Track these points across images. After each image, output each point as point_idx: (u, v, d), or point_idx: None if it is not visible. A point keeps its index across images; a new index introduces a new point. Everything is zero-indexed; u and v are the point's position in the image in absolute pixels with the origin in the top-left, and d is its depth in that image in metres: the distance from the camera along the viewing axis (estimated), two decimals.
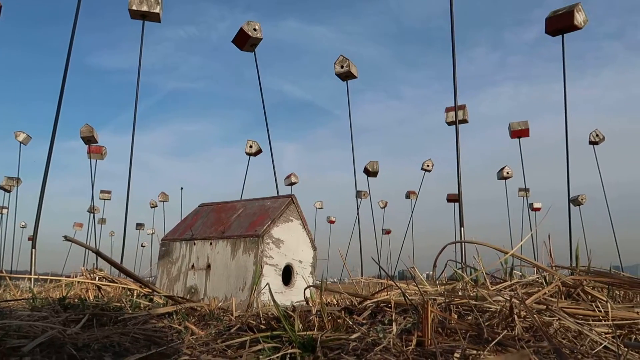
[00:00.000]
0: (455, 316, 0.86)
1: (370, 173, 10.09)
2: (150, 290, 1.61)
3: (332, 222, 15.54)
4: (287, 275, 1.94)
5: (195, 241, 1.94)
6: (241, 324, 1.07)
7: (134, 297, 1.60)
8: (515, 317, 0.84)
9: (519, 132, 8.78)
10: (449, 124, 7.21)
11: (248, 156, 8.64)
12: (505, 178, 10.36)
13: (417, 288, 1.18)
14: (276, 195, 2.16)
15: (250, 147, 8.52)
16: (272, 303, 1.67)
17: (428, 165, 11.10)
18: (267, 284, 1.67)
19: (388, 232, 14.34)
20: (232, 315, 1.25)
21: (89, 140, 7.75)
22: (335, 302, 1.46)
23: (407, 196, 12.79)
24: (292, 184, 10.97)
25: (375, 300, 1.07)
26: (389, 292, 1.13)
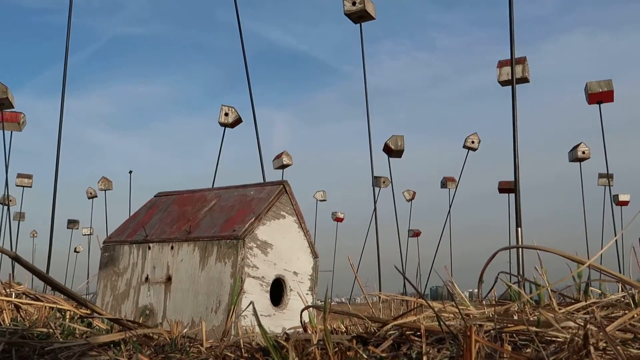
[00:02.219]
0: (509, 348, 0.87)
1: (392, 152, 10.09)
2: (88, 312, 1.62)
3: (339, 219, 15.60)
4: (278, 291, 1.95)
5: (151, 244, 1.95)
6: (214, 358, 1.09)
7: (67, 320, 1.61)
8: (592, 349, 0.85)
9: (600, 96, 8.75)
10: (503, 83, 7.20)
11: (223, 127, 8.64)
12: (581, 160, 10.36)
13: (456, 310, 1.19)
14: (262, 182, 2.17)
15: (226, 115, 8.51)
16: (256, 329, 1.68)
17: (473, 142, 11.10)
18: (251, 303, 1.69)
19: (417, 233, 14.40)
20: (201, 345, 1.26)
21: (1, 104, 7.76)
22: (344, 329, 1.47)
23: (444, 184, 12.82)
24: (283, 166, 11.00)
25: (399, 325, 1.08)
26: (417, 315, 1.14)
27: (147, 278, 1.92)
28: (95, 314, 1.46)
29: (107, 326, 1.58)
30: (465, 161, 11.43)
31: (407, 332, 1.09)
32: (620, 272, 1.24)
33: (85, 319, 1.64)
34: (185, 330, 1.54)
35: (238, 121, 8.58)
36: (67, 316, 1.69)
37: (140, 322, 1.55)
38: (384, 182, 11.60)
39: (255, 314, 1.00)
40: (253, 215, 1.83)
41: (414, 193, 14.04)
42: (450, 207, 12.42)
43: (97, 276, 2.10)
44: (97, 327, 1.59)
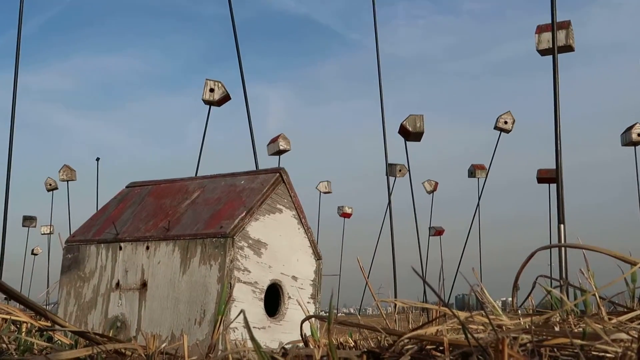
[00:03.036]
0: None
1: (410, 135, 10.08)
2: (49, 324, 1.63)
3: (346, 215, 15.62)
4: (273, 299, 1.95)
5: (122, 244, 1.96)
6: None
7: (23, 333, 1.62)
8: None
9: None
10: (542, 52, 7.16)
11: (207, 106, 8.64)
12: (636, 143, 10.33)
13: (486, 320, 1.19)
14: (255, 169, 2.17)
15: (211, 91, 8.50)
16: (248, 344, 1.69)
17: (506, 122, 11.08)
18: (242, 312, 1.69)
19: (439, 231, 14.41)
20: None
21: None
22: (353, 344, 1.48)
23: (471, 173, 12.81)
24: (280, 152, 10.99)
25: (418, 338, 1.08)
26: (439, 326, 1.15)
27: (118, 284, 1.92)
28: (56, 327, 1.47)
29: (70, 341, 1.58)
30: (496, 145, 11.41)
31: (428, 347, 1.09)
32: None
33: (45, 333, 1.65)
34: (163, 346, 1.55)
35: (226, 98, 8.57)
36: (24, 329, 1.69)
37: (111, 335, 1.56)
38: (400, 170, 11.59)
39: (247, 325, 1.01)
40: (244, 209, 1.83)
41: (436, 184, 14.04)
42: (479, 199, 12.42)
43: (58, 282, 2.10)
44: (59, 341, 1.60)
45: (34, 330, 1.67)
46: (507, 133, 11.18)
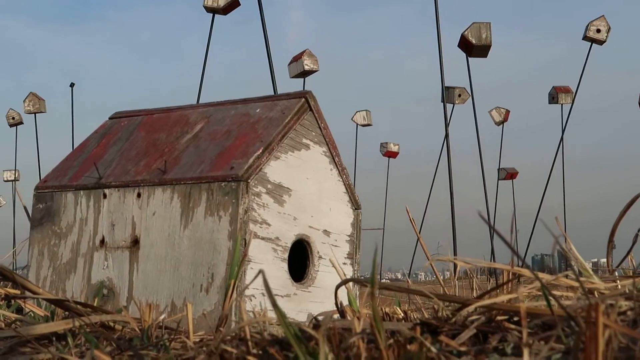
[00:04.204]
0: None
1: (473, 49, 9.96)
2: (18, 291, 1.66)
3: (391, 154, 15.58)
4: (300, 260, 1.97)
5: (107, 190, 1.97)
6: (207, 355, 1.11)
7: None
8: None
9: None
10: None
11: (210, 14, 8.59)
12: None
13: (574, 282, 1.19)
14: (273, 94, 2.16)
15: None
16: (269, 314, 1.71)
17: (598, 30, 10.88)
18: (260, 273, 1.70)
19: (511, 174, 14.34)
20: (188, 339, 1.29)
21: None
22: (402, 314, 1.49)
23: (553, 98, 12.65)
24: (305, 73, 10.93)
25: (486, 307, 1.08)
26: (513, 293, 1.15)
27: (102, 241, 1.95)
28: (28, 294, 1.49)
29: (45, 312, 1.61)
30: (586, 61, 11.24)
31: (498, 317, 1.09)
32: None
33: (13, 302, 1.68)
34: (162, 317, 1.57)
35: (234, 4, 8.51)
36: None
37: (95, 305, 1.58)
38: (460, 95, 11.48)
39: (267, 291, 1.01)
40: (260, 145, 1.83)
41: (507, 112, 13.90)
42: (563, 132, 12.30)
43: (28, 240, 2.13)
44: (30, 313, 1.63)
45: (0, 299, 1.70)
46: (600, 45, 11.00)
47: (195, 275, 1.76)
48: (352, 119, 15.22)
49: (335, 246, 2.05)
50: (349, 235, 2.13)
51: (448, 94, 10.72)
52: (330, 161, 2.06)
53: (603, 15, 10.94)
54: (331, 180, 2.06)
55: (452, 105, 11.33)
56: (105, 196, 1.96)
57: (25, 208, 2.38)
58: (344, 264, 2.08)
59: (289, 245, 1.88)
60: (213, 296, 1.72)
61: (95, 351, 1.11)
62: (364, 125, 15.35)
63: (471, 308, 1.12)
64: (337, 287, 1.39)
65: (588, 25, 11.00)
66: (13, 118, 15.07)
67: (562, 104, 12.52)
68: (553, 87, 12.78)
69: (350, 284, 1.68)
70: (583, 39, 11.04)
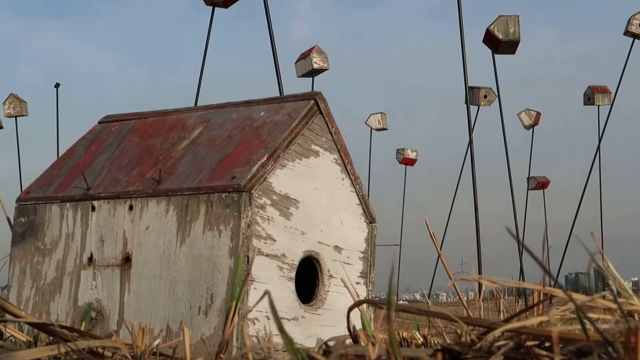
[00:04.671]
0: None
1: (500, 45, 9.96)
2: None
3: (409, 161, 15.59)
4: (309, 279, 1.97)
5: (96, 202, 1.98)
6: None
7: None
8: None
9: None
10: None
11: (210, 7, 8.61)
12: None
13: (610, 304, 1.19)
14: (279, 95, 2.16)
15: None
16: (275, 340, 1.71)
17: None
18: (265, 293, 1.70)
19: (542, 183, 14.33)
20: None
21: None
22: (421, 339, 1.49)
23: (589, 99, 12.65)
24: (314, 72, 10.96)
25: (515, 330, 1.08)
26: (544, 314, 1.15)
27: (91, 258, 1.95)
28: (8, 317, 1.50)
29: (28, 337, 1.62)
30: (627, 59, 11.23)
31: (528, 343, 1.09)
32: None
33: None
34: (156, 343, 1.57)
35: None
36: None
37: (83, 329, 1.59)
38: (485, 96, 11.50)
39: (273, 314, 1.02)
40: (265, 152, 1.83)
41: (538, 115, 13.90)
42: (600, 137, 12.28)
43: (8, 257, 2.13)
44: (11, 338, 1.64)
45: None
46: None
47: (192, 296, 1.76)
48: (365, 122, 15.24)
49: (348, 264, 2.05)
50: (362, 252, 2.13)
51: (472, 95, 10.74)
52: (342, 169, 2.06)
53: None
54: (343, 191, 2.06)
55: (476, 107, 11.35)
56: (93, 209, 1.97)
57: (8, 219, 2.38)
58: (357, 283, 2.08)
59: (297, 262, 1.88)
60: (213, 319, 1.72)
61: None
62: (378, 130, 15.37)
63: (498, 332, 1.11)
64: (350, 309, 1.39)
65: (630, 19, 11.00)
66: None
67: (598, 106, 12.52)
68: (589, 87, 12.77)
69: (364, 305, 1.68)
70: (624, 34, 11.04)
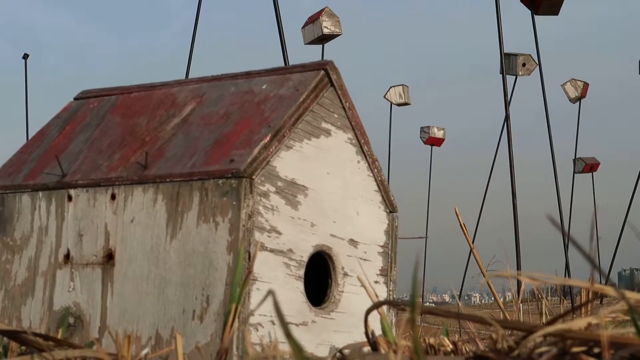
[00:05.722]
0: None
1: (540, 4, 9.94)
2: None
3: (435, 141, 15.59)
4: (320, 278, 1.97)
5: (72, 191, 1.98)
6: None
7: None
8: None
9: None
10: None
11: None
12: None
13: None
14: (283, 65, 2.17)
15: None
16: (281, 347, 1.71)
17: None
18: (269, 294, 1.71)
19: (591, 165, 14.32)
20: None
21: None
22: (451, 346, 1.50)
23: None
24: (324, 38, 10.95)
25: (559, 334, 1.09)
26: (592, 316, 1.15)
27: (68, 256, 1.95)
28: None
29: None
30: None
31: (574, 348, 1.09)
32: None
33: None
34: (144, 352, 1.58)
35: None
36: None
37: (60, 337, 1.60)
38: (524, 65, 11.47)
39: (279, 318, 1.02)
40: (268, 131, 1.84)
41: (585, 86, 13.88)
42: None
43: None
44: None
45: None
46: None
47: (185, 299, 1.77)
48: (384, 96, 15.24)
49: (365, 260, 2.05)
50: (382, 246, 2.13)
51: (509, 63, 10.72)
52: (358, 151, 2.06)
53: None
54: (359, 176, 2.06)
55: (514, 77, 11.33)
56: (70, 198, 1.97)
57: None
58: (376, 282, 2.09)
59: (306, 259, 1.88)
60: (209, 325, 1.73)
61: None
62: (400, 105, 15.37)
63: (539, 336, 1.12)
64: (368, 312, 1.40)
65: None
66: None
67: None
68: None
69: (385, 308, 1.69)
70: None
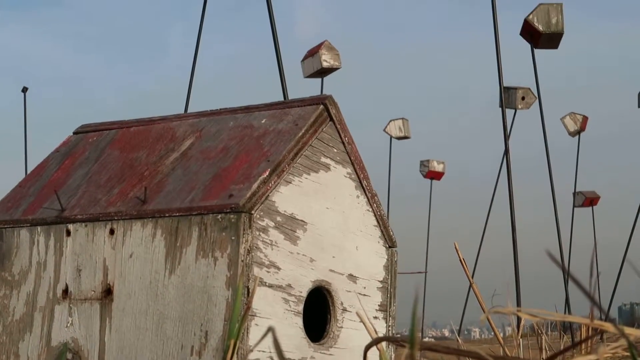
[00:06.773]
0: None
1: (539, 38, 9.97)
2: None
3: (435, 174, 15.57)
4: (319, 313, 1.97)
5: (71, 226, 1.97)
6: None
7: None
8: None
9: None
10: None
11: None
12: None
13: None
14: (283, 100, 2.17)
15: None
16: None
17: None
18: (268, 330, 1.71)
19: (591, 199, 14.30)
20: None
21: None
22: None
23: None
24: (323, 71, 10.95)
25: None
26: (592, 352, 1.15)
27: (66, 291, 1.95)
28: None
29: None
30: None
31: None
32: None
33: None
34: None
35: None
36: None
37: None
38: (523, 98, 11.46)
39: (278, 354, 1.02)
40: (267, 165, 1.84)
41: (585, 119, 13.85)
42: None
43: None
44: None
45: None
46: None
47: (184, 335, 1.76)
48: (384, 130, 15.23)
49: (364, 295, 2.05)
50: (381, 281, 2.13)
51: (508, 97, 10.71)
52: (357, 186, 2.06)
53: None
54: (358, 210, 2.06)
55: (513, 111, 11.33)
56: (69, 233, 1.97)
57: None
58: (375, 318, 2.08)
59: (305, 294, 1.88)
60: None
61: None
62: (399, 138, 15.34)
63: None
64: (367, 348, 1.40)
65: None
66: None
67: None
68: None
69: (384, 344, 1.68)
70: None
